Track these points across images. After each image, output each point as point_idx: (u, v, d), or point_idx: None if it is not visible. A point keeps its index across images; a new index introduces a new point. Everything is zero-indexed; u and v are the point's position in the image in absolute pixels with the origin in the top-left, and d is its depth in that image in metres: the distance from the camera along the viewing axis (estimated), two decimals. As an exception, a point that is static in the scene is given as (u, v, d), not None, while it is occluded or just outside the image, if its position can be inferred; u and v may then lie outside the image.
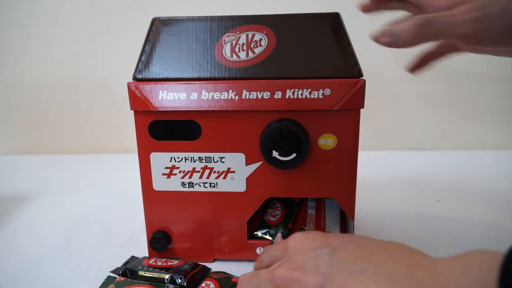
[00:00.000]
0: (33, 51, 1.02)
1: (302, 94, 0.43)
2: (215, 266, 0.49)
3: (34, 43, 1.01)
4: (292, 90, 0.43)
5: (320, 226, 0.52)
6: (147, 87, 0.45)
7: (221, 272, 0.48)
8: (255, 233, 0.51)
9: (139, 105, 0.45)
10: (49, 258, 0.53)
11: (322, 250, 0.32)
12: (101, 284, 0.45)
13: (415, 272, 0.27)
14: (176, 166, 0.47)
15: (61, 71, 1.03)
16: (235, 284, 0.44)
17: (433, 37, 0.38)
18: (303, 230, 0.45)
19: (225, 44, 0.45)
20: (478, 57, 0.92)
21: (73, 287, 0.47)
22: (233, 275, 0.47)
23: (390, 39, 0.38)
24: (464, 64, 0.94)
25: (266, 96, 0.43)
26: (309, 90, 0.43)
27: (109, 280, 0.46)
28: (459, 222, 0.61)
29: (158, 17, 0.47)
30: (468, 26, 0.37)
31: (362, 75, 0.43)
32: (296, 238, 0.35)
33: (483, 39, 0.38)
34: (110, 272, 0.47)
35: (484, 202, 0.66)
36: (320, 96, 0.43)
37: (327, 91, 0.43)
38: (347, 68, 0.43)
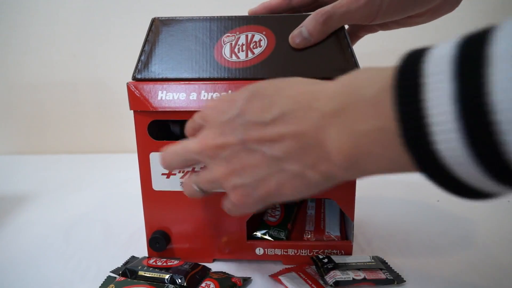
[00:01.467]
0: (33, 51, 1.02)
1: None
2: (214, 266, 0.50)
3: (34, 43, 1.01)
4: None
5: (319, 227, 0.53)
6: (146, 87, 0.45)
7: (221, 272, 0.48)
8: (255, 233, 0.51)
9: (139, 105, 0.45)
10: (49, 258, 0.53)
11: (232, 113, 0.34)
12: (101, 284, 0.45)
13: (316, 104, 0.29)
14: (175, 166, 0.47)
15: (61, 71, 1.03)
16: (235, 284, 0.44)
17: (336, 27, 0.44)
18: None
19: (224, 44, 0.45)
20: None
21: (73, 287, 0.47)
22: (233, 275, 0.47)
23: (304, 41, 0.43)
24: None
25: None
26: None
27: (109, 280, 0.46)
28: (459, 222, 0.61)
29: (158, 17, 0.47)
30: (362, 10, 0.43)
31: None
32: (210, 104, 0.37)
33: (376, 17, 0.44)
34: (110, 272, 0.48)
35: (484, 202, 0.66)
36: None
37: None
38: (346, 69, 0.43)
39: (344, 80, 0.29)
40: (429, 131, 0.23)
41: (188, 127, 0.40)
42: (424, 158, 0.24)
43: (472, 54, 0.21)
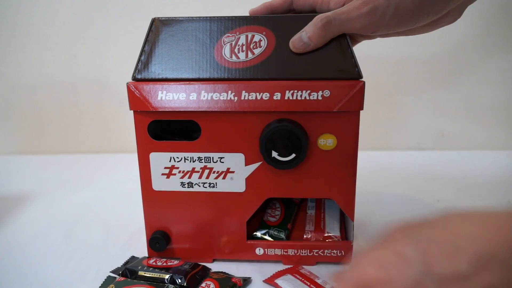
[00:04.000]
0: (33, 51, 1.02)
1: (301, 96, 0.43)
2: (214, 266, 0.50)
3: (34, 43, 1.01)
4: (291, 91, 0.43)
5: (319, 227, 0.53)
6: (146, 87, 0.45)
7: (221, 272, 0.48)
8: (255, 233, 0.51)
9: (139, 105, 0.46)
10: (49, 258, 0.53)
11: (414, 271, 0.25)
12: (101, 284, 0.45)
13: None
14: (175, 166, 0.47)
15: (61, 71, 1.03)
16: (235, 284, 0.44)
17: (336, 34, 0.43)
18: None
19: (224, 44, 0.45)
20: (478, 58, 0.92)
21: (73, 287, 0.47)
22: (233, 275, 0.47)
23: (304, 46, 0.43)
24: (464, 64, 0.94)
25: (265, 97, 0.43)
26: (308, 91, 0.43)
27: (109, 280, 0.46)
28: None
29: (158, 17, 0.47)
30: (363, 19, 0.42)
31: (361, 77, 0.43)
32: (367, 270, 0.27)
33: (377, 28, 0.44)
34: (110, 272, 0.48)
35: (484, 202, 0.66)
36: (319, 98, 0.43)
37: (326, 93, 0.43)
38: (346, 70, 0.43)
39: None
40: None
41: None
42: None
43: None
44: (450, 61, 0.94)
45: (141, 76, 0.46)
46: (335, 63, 0.43)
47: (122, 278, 0.46)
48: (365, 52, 0.62)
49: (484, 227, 0.25)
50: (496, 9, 0.90)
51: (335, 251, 0.49)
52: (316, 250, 0.49)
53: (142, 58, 0.46)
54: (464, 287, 0.24)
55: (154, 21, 0.47)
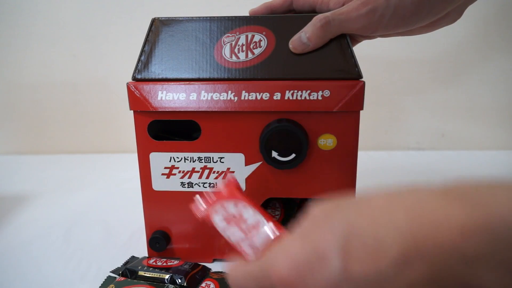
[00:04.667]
0: (33, 51, 1.02)
1: (301, 96, 0.43)
2: (214, 266, 0.50)
3: (34, 43, 1.01)
4: (291, 91, 0.43)
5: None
6: (146, 87, 0.45)
7: (221, 272, 0.48)
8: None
9: (139, 105, 0.46)
10: (49, 258, 0.53)
11: (330, 275, 0.23)
12: (101, 284, 0.45)
13: (445, 239, 0.22)
14: (175, 166, 0.47)
15: (61, 71, 1.03)
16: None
17: (335, 34, 0.43)
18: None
19: (224, 44, 0.45)
20: (478, 58, 0.92)
21: (73, 287, 0.47)
22: (232, 275, 0.47)
23: (303, 46, 0.43)
24: (464, 65, 0.94)
25: (265, 97, 0.43)
26: (308, 91, 0.43)
27: (109, 280, 0.46)
28: None
29: (158, 17, 0.47)
30: (363, 20, 0.42)
31: (361, 77, 0.43)
32: (280, 273, 0.26)
33: (376, 28, 0.44)
34: (110, 272, 0.48)
35: None
36: (319, 98, 0.43)
37: (326, 93, 0.43)
38: (346, 70, 0.43)
39: (464, 205, 0.22)
40: None
41: None
42: None
43: None
44: (450, 61, 0.94)
45: (141, 76, 0.46)
46: (335, 63, 0.43)
47: (122, 278, 0.46)
48: (365, 52, 0.62)
49: (412, 217, 0.22)
50: (496, 9, 0.90)
51: None
52: None
53: (142, 58, 0.46)
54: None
55: (154, 21, 0.47)
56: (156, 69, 0.46)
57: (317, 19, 0.43)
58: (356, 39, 0.51)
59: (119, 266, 0.49)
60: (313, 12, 0.48)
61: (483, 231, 0.21)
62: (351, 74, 0.43)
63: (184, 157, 0.47)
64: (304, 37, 0.43)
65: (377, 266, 0.22)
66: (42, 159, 1.02)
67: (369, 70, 0.61)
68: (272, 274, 0.26)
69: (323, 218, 0.26)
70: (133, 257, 0.51)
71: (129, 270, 0.46)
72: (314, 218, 0.27)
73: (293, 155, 0.44)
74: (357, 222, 0.24)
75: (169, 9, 0.95)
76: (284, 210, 0.55)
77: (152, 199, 0.49)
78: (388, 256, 0.22)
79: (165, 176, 0.48)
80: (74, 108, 1.06)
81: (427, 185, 0.25)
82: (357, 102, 0.43)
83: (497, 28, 0.91)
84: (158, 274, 0.45)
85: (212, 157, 0.47)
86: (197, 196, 0.39)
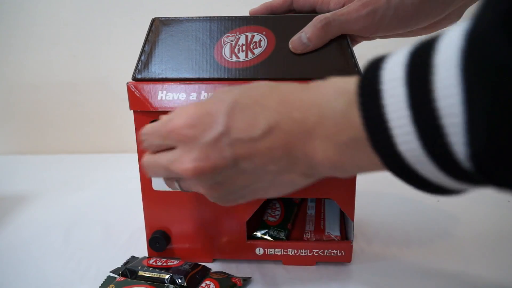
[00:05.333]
0: (33, 51, 1.02)
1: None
2: (214, 266, 0.50)
3: (34, 43, 1.01)
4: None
5: (319, 227, 0.53)
6: (146, 87, 0.45)
7: (221, 272, 0.48)
8: (255, 233, 0.51)
9: (139, 105, 0.46)
10: (49, 258, 0.53)
11: (215, 132, 0.31)
12: (101, 284, 0.45)
13: (297, 115, 0.30)
14: (175, 166, 0.47)
15: (61, 71, 1.03)
16: (235, 284, 0.45)
17: (335, 35, 0.44)
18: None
19: (224, 44, 0.45)
20: None
21: (73, 287, 0.47)
22: (233, 275, 0.47)
23: (303, 47, 0.44)
24: None
25: (266, 96, 0.43)
26: None
27: (109, 280, 0.46)
28: (459, 222, 0.61)
29: (158, 17, 0.47)
30: (363, 21, 0.43)
31: None
32: (180, 120, 0.33)
33: (377, 30, 0.44)
34: (110, 272, 0.48)
35: (484, 202, 0.66)
36: None
37: None
38: (346, 69, 0.43)
39: (315, 89, 0.30)
40: (391, 134, 0.24)
41: (151, 145, 0.36)
42: (390, 159, 0.25)
43: (421, 62, 0.23)
44: None
45: (141, 76, 0.46)
46: (335, 63, 0.43)
47: (122, 278, 0.46)
48: (365, 52, 0.62)
49: (281, 100, 0.31)
50: None
51: (335, 251, 0.49)
52: (316, 250, 0.49)
53: (142, 58, 0.46)
54: (250, 147, 0.31)
55: (154, 21, 0.47)
56: (156, 69, 0.46)
57: (317, 19, 0.43)
58: (355, 39, 0.51)
59: (119, 266, 0.49)
60: (314, 12, 0.49)
61: (317, 106, 0.29)
62: (351, 73, 0.43)
63: (184, 157, 0.47)
64: (304, 37, 0.43)
65: (249, 131, 0.31)
66: (42, 159, 1.02)
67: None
68: (170, 125, 0.34)
69: (217, 94, 0.34)
70: (133, 257, 0.51)
71: (129, 270, 0.46)
72: (211, 96, 0.35)
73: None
74: (242, 99, 0.32)
75: (169, 9, 0.95)
76: (284, 210, 0.55)
77: (152, 199, 0.49)
78: (258, 127, 0.30)
79: (165, 176, 0.48)
80: (74, 108, 1.06)
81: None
82: None
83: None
84: (158, 274, 0.45)
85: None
86: None
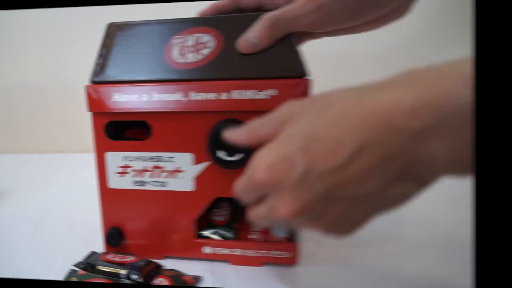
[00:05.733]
0: (6, 57, 1.08)
1: (247, 95, 0.43)
2: (167, 264, 0.50)
3: (7, 50, 1.08)
4: (238, 91, 0.43)
5: (266, 227, 0.52)
6: (102, 90, 0.46)
7: (173, 269, 0.49)
8: (202, 232, 0.51)
9: (96, 106, 0.47)
10: (19, 251, 0.56)
11: (297, 173, 0.30)
12: (65, 277, 0.47)
13: (395, 124, 0.27)
14: (129, 165, 0.49)
15: (31, 75, 1.09)
16: (185, 281, 0.46)
17: (284, 33, 0.43)
18: None
19: (173, 46, 0.46)
20: (432, 51, 0.90)
21: (42, 277, 0.49)
22: (184, 273, 0.48)
23: (251, 46, 0.44)
24: (418, 59, 0.92)
25: (213, 97, 0.44)
26: (255, 90, 0.43)
27: (72, 273, 0.48)
28: (408, 225, 0.60)
29: (113, 22, 0.48)
30: (311, 16, 0.43)
31: (307, 74, 0.43)
32: (259, 178, 0.33)
33: (325, 24, 0.44)
34: (73, 265, 0.49)
35: (432, 204, 0.63)
36: (266, 97, 0.43)
37: (273, 92, 0.43)
38: (293, 68, 0.43)
39: (413, 89, 0.27)
40: None
41: (250, 200, 0.37)
42: None
43: None
44: (403, 56, 0.93)
45: (98, 79, 0.47)
46: (281, 61, 0.43)
47: (84, 272, 0.47)
48: (314, 50, 0.60)
49: (366, 112, 0.28)
50: (450, 3, 0.89)
51: (281, 253, 0.49)
52: (262, 251, 0.49)
53: (99, 61, 0.47)
54: (340, 175, 0.29)
55: (110, 26, 0.48)
56: (111, 72, 0.47)
57: (265, 18, 0.43)
58: (301, 39, 0.50)
59: (81, 260, 0.51)
60: (261, 7, 0.49)
61: (429, 108, 0.26)
62: (298, 72, 0.43)
63: (137, 156, 0.48)
64: (252, 37, 0.43)
65: (335, 160, 0.28)
66: (12, 158, 1.07)
67: (320, 68, 0.61)
68: (253, 180, 0.33)
69: (287, 123, 0.33)
70: (93, 252, 0.52)
71: (89, 264, 0.48)
72: (280, 119, 0.34)
73: (240, 155, 0.44)
74: (316, 130, 0.30)
75: (128, 16, 0.96)
76: (233, 210, 0.55)
77: (108, 196, 0.50)
78: (344, 152, 0.28)
79: (120, 174, 0.49)
80: (43, 110, 1.12)
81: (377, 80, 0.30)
82: None
83: (452, 19, 0.90)
84: (115, 269, 0.46)
85: (163, 157, 0.48)
86: None
